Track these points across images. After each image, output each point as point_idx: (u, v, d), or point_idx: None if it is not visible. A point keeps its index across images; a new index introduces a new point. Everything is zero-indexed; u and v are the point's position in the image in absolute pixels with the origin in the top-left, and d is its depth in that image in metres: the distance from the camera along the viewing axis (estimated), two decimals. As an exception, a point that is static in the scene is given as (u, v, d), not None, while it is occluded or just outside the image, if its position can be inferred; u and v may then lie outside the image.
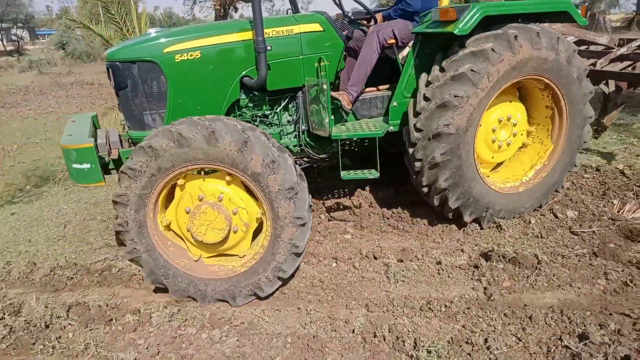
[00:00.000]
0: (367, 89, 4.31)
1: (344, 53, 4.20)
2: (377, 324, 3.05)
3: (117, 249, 4.33)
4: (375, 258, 3.90)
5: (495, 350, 2.74)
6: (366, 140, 4.37)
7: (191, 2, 27.13)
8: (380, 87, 4.39)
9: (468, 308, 3.19)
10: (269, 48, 3.59)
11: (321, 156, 4.46)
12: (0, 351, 3.00)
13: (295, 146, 4.28)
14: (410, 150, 3.94)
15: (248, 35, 3.66)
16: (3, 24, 51.52)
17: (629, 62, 5.55)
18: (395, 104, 4.06)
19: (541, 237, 4.03)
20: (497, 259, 3.66)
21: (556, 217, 4.30)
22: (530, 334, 2.88)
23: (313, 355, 2.82)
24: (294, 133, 4.26)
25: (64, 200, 5.95)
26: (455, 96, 3.62)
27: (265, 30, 3.57)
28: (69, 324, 3.21)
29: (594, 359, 2.60)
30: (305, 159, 5.15)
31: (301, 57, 3.88)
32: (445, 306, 3.22)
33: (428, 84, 3.81)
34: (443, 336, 2.91)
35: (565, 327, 2.93)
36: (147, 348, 2.93)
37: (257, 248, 3.34)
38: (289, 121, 4.21)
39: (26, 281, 3.86)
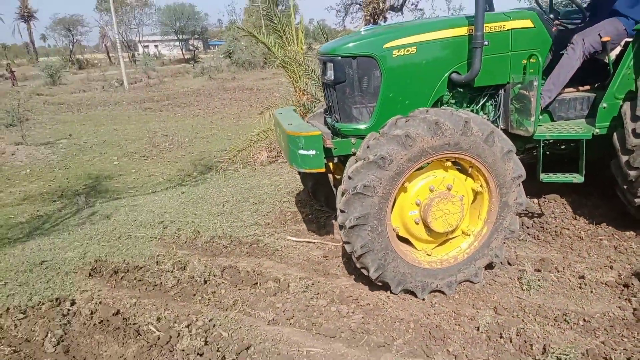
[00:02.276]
0: (566, 89, 4.16)
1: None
2: (505, 326, 2.99)
3: (264, 227, 4.87)
4: (509, 264, 3.79)
5: (638, 371, 2.51)
6: (562, 144, 4.21)
7: (343, 14, 28.37)
8: (581, 87, 4.23)
9: (611, 326, 2.95)
10: (486, 43, 3.51)
11: None
12: (169, 297, 3.63)
13: None
14: (625, 157, 3.73)
15: (461, 31, 3.64)
16: (183, 36, 59.73)
17: None
18: (605, 105, 3.88)
19: None
20: (654, 281, 3.30)
21: None
22: (687, 364, 2.57)
23: (435, 342, 2.88)
24: None
25: (224, 185, 6.80)
26: None
27: None
28: (223, 282, 3.74)
29: None
30: None
31: (509, 53, 3.77)
32: (584, 320, 3.02)
33: None
34: (577, 348, 2.74)
35: None
36: (283, 311, 3.29)
37: (481, 221, 3.48)
38: (485, 119, 4.01)
39: (191, 245, 4.57)
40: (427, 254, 3.48)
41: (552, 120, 4.13)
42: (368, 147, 3.15)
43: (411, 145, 3.02)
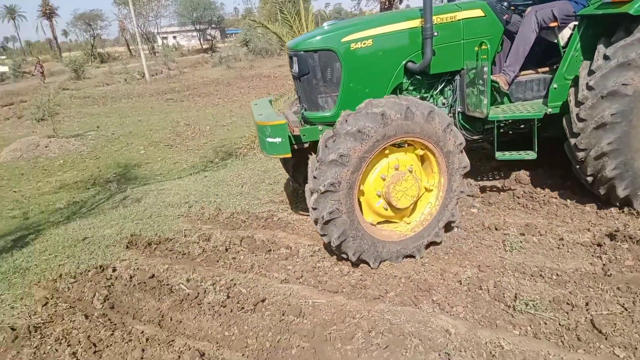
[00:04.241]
0: (523, 72, 4.37)
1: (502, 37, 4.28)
2: (484, 279, 3.43)
3: (278, 204, 5.38)
4: (496, 229, 4.19)
5: (593, 312, 2.93)
6: (521, 123, 4.44)
7: (358, -4, 28.30)
8: (538, 69, 4.44)
9: (581, 279, 3.34)
10: (435, 34, 3.78)
11: (474, 137, 4.58)
12: (196, 263, 4.18)
13: None
14: (573, 140, 3.98)
15: (414, 23, 3.88)
16: (201, 26, 60.37)
17: None
18: (555, 86, 4.14)
19: (685, 225, 3.86)
20: (623, 239, 3.68)
21: None
22: (640, 307, 2.97)
23: (421, 293, 3.35)
24: (449, 115, 4.37)
25: (243, 169, 7.34)
26: (623, 84, 3.63)
27: None
28: (241, 250, 4.28)
29: None
30: None
31: (462, 41, 4.03)
32: (557, 275, 3.42)
33: (590, 72, 3.82)
34: (545, 296, 3.17)
35: (683, 307, 2.94)
36: (294, 272, 3.80)
37: (436, 174, 3.76)
38: (444, 103, 4.40)
39: (214, 221, 5.12)
40: (407, 223, 3.86)
41: (511, 101, 4.37)
42: (326, 147, 3.38)
43: (409, 117, 3.35)
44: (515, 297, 3.18)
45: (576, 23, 4.14)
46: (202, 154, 9.67)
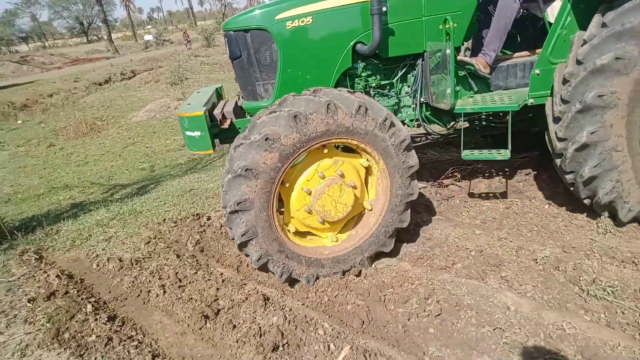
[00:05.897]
0: (505, 57, 3.74)
1: (478, 14, 3.59)
2: (564, 260, 3.19)
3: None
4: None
5: (684, 308, 2.60)
6: (506, 116, 3.76)
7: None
8: (521, 53, 3.75)
9: (683, 272, 2.97)
10: (384, 9, 3.21)
11: (442, 133, 4.11)
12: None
13: (412, 120, 3.92)
14: (553, 127, 3.30)
15: None
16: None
17: None
18: (537, 71, 3.37)
19: None
20: None
21: None
22: None
23: (489, 268, 3.23)
24: (412, 106, 3.89)
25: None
26: (617, 58, 2.85)
27: None
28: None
29: None
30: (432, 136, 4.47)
31: (423, 19, 3.40)
32: (654, 264, 3.07)
33: (584, 43, 3.11)
34: (631, 284, 2.87)
35: None
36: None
37: (379, 192, 3.32)
38: (407, 92, 3.85)
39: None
40: (336, 242, 3.39)
41: (489, 90, 3.68)
42: (232, 157, 2.95)
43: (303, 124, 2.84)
44: (593, 281, 2.93)
45: None
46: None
